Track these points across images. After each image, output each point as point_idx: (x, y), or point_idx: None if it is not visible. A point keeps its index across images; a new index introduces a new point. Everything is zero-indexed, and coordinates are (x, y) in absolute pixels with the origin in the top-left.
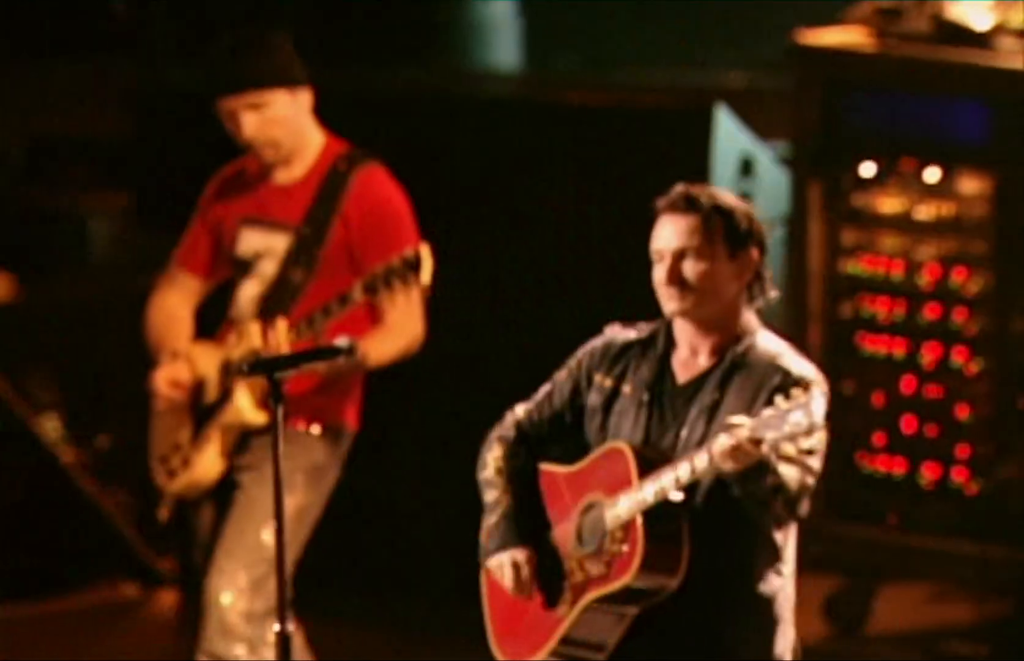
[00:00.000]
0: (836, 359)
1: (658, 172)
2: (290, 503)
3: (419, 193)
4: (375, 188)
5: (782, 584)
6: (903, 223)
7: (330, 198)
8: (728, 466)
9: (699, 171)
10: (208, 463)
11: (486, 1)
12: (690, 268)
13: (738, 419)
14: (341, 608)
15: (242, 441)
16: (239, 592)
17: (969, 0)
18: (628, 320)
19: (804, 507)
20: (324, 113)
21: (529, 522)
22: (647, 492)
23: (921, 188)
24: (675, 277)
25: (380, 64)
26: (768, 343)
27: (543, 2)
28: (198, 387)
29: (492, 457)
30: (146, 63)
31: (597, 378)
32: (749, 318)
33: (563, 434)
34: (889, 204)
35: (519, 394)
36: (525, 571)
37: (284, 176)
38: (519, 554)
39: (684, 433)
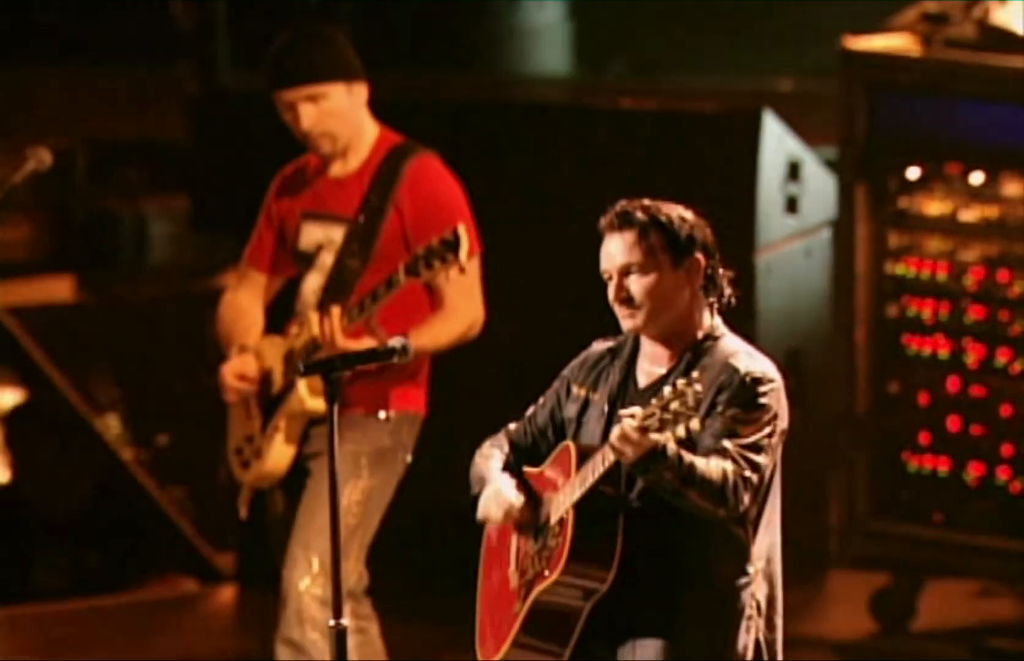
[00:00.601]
0: (882, 359)
1: (706, 176)
2: (357, 486)
3: (472, 197)
4: (428, 177)
5: (747, 582)
6: (948, 226)
7: (384, 188)
8: (621, 455)
9: (747, 175)
10: (278, 452)
11: (537, 9)
12: (635, 284)
13: (631, 410)
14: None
15: (309, 429)
16: (313, 578)
17: (1014, 5)
18: None
19: (737, 501)
20: (379, 119)
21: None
22: (575, 484)
23: (966, 191)
24: (622, 295)
25: (434, 70)
26: (728, 344)
27: (593, 9)
28: (266, 379)
29: (482, 457)
30: (205, 69)
31: (574, 390)
32: (711, 321)
33: (549, 449)
34: (934, 207)
35: None
36: (507, 497)
37: (340, 169)
38: (498, 481)
39: None
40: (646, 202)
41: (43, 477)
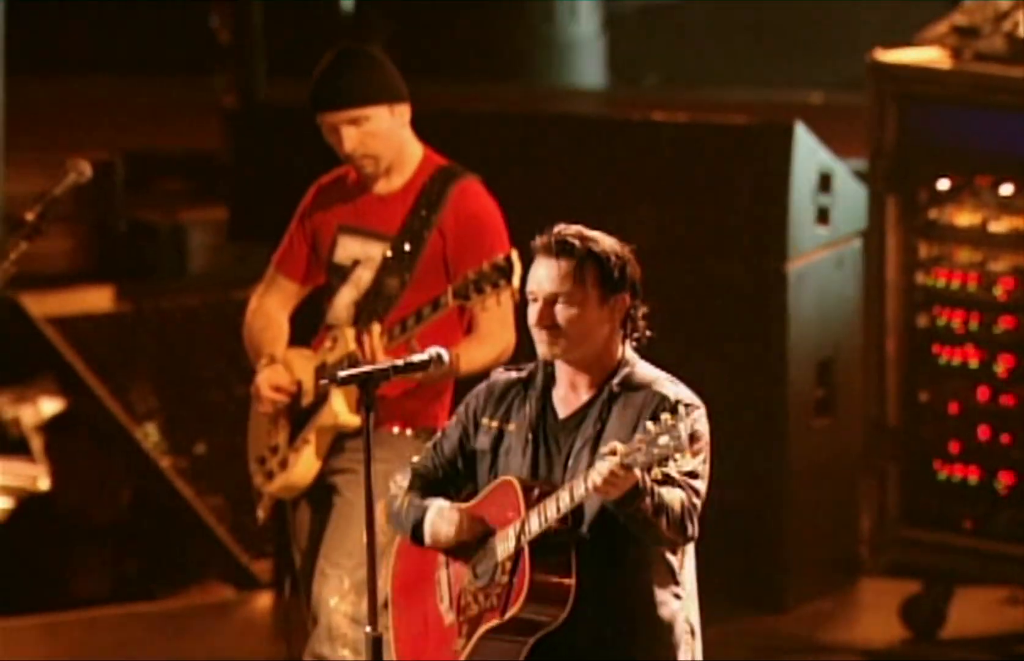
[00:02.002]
0: (912, 369)
1: (739, 187)
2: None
3: (509, 208)
4: (472, 201)
5: (680, 605)
6: (978, 236)
7: (427, 209)
8: (606, 494)
9: (779, 186)
10: (305, 465)
11: (573, 23)
12: (562, 313)
13: (611, 446)
14: None
15: (336, 444)
16: (343, 596)
17: None
18: (710, 333)
19: (693, 527)
20: (417, 130)
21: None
22: (532, 522)
23: (995, 202)
24: (546, 321)
25: (471, 82)
26: (645, 371)
27: (628, 24)
28: (296, 391)
29: (397, 504)
30: (242, 83)
31: (484, 422)
32: (625, 351)
33: (457, 480)
34: (964, 218)
35: None
36: (455, 512)
37: (383, 187)
38: (440, 501)
39: (570, 464)
40: (584, 232)
41: (82, 485)
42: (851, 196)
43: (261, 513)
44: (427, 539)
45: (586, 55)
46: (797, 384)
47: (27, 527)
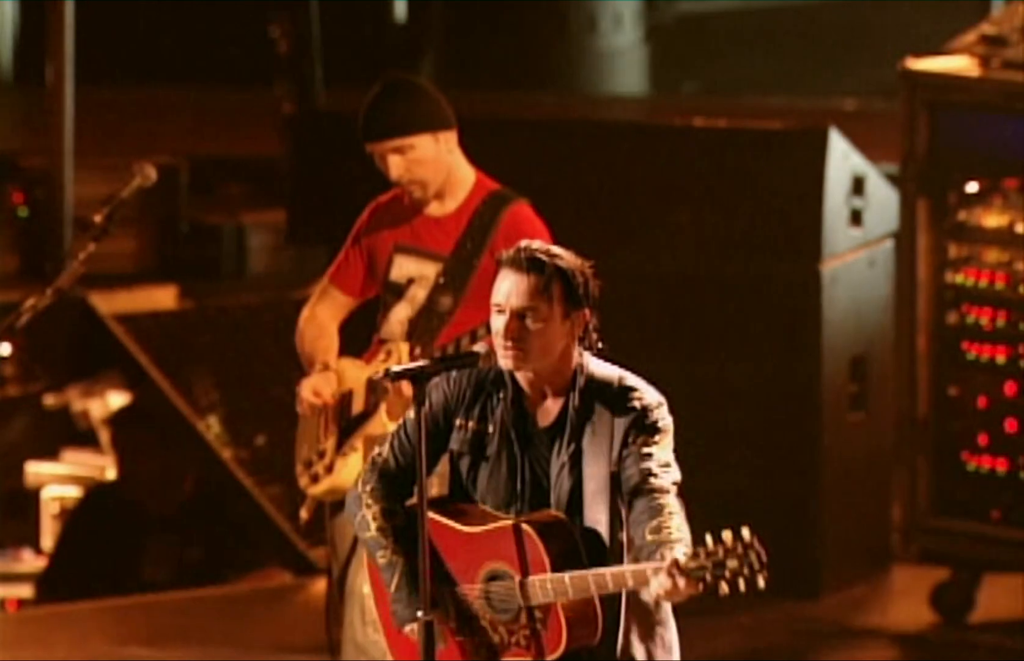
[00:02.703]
0: (942, 365)
1: (775, 191)
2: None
3: (548, 213)
4: (523, 225)
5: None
6: (1006, 237)
7: (481, 232)
8: (671, 599)
9: (813, 189)
10: (352, 471)
11: (615, 33)
12: (527, 328)
13: (676, 557)
14: None
15: None
16: None
17: None
18: (747, 332)
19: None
20: (460, 137)
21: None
22: (568, 588)
23: (1022, 205)
24: (512, 334)
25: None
26: (600, 371)
27: (668, 34)
28: (346, 399)
29: (371, 515)
30: (300, 90)
31: (458, 421)
32: (578, 357)
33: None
34: (992, 220)
35: None
36: (442, 632)
37: (436, 209)
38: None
39: (553, 479)
40: (551, 248)
41: (148, 475)
42: (883, 199)
43: (304, 514)
44: (402, 629)
45: (628, 64)
46: (831, 380)
47: (95, 515)
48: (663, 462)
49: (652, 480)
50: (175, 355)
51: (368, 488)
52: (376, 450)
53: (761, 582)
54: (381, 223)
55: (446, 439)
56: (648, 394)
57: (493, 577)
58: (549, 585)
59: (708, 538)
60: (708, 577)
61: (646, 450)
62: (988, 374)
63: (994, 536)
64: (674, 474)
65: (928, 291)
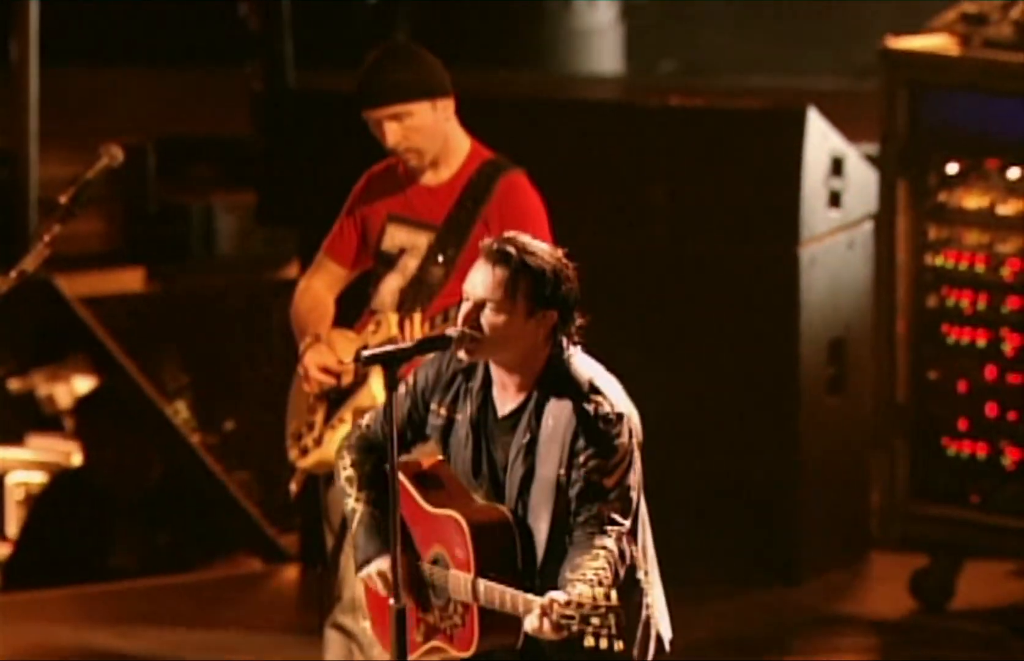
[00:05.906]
0: (922, 348)
1: (753, 171)
2: None
3: None
4: (518, 194)
5: (645, 590)
6: (986, 219)
7: (473, 201)
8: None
9: (791, 170)
10: (339, 443)
11: (591, 12)
12: (486, 319)
13: (552, 597)
14: None
15: None
16: None
17: None
18: (725, 314)
19: (628, 555)
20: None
21: (385, 527)
22: (481, 596)
23: (1003, 186)
24: (467, 322)
25: (490, 69)
26: (574, 372)
27: (645, 12)
28: (342, 371)
29: (342, 466)
30: (270, 69)
31: (433, 406)
32: (554, 351)
33: (402, 450)
34: (973, 201)
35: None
36: (391, 578)
37: (431, 178)
38: (383, 563)
39: (508, 474)
40: (528, 244)
41: (114, 460)
42: (862, 180)
43: (294, 486)
44: (359, 575)
45: (604, 43)
46: (809, 363)
47: (60, 501)
48: (609, 488)
49: (590, 508)
50: (142, 338)
51: (348, 445)
52: (363, 419)
53: (618, 646)
54: (375, 192)
55: (426, 421)
56: (609, 404)
57: (436, 560)
58: (466, 586)
59: (586, 590)
60: (574, 627)
61: (594, 469)
62: (968, 358)
63: (974, 521)
64: (620, 503)
65: (908, 274)
